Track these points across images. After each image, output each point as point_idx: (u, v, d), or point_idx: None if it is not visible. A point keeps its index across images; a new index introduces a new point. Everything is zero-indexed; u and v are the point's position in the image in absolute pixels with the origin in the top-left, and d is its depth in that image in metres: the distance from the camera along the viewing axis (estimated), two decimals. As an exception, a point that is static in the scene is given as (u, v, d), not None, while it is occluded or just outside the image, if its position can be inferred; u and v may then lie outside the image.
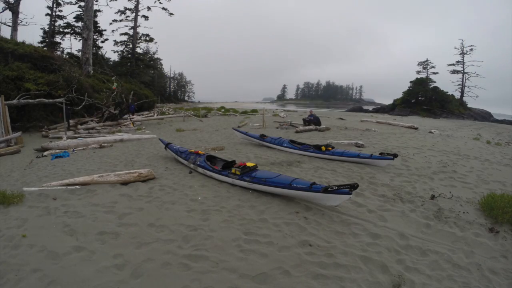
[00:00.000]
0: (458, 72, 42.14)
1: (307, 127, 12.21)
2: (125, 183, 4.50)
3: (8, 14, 22.91)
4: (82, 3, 26.63)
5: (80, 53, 25.65)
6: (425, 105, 36.97)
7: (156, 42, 38.61)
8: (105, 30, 33.86)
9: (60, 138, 10.61)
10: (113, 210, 3.51)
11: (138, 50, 38.23)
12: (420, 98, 38.77)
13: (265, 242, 2.84)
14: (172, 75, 71.91)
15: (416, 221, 3.41)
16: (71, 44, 55.94)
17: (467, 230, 3.25)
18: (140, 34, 37.21)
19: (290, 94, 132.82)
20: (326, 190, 3.47)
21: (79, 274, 2.32)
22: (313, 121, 12.92)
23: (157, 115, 20.65)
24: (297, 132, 11.43)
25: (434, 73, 42.24)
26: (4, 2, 21.47)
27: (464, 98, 41.87)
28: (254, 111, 27.78)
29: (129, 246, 2.75)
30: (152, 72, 43.29)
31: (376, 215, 3.54)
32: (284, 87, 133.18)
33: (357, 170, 5.48)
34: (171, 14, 35.25)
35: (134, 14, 35.29)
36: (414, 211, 3.68)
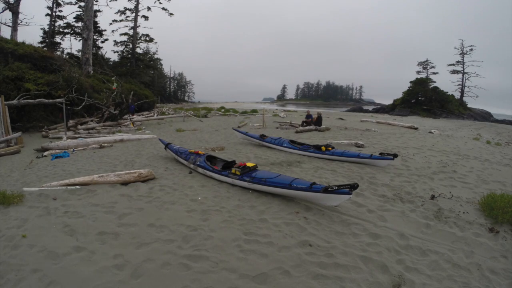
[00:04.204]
0: (458, 72, 42.20)
1: (307, 127, 12.21)
2: (125, 183, 4.50)
3: (8, 14, 22.99)
4: (82, 3, 26.65)
5: (80, 53, 25.65)
6: (425, 105, 36.98)
7: (156, 42, 38.64)
8: (105, 30, 33.93)
9: (60, 138, 10.62)
10: (113, 210, 3.51)
11: (138, 50, 38.24)
12: (420, 98, 38.79)
13: (265, 242, 2.84)
14: (172, 75, 72.02)
15: (416, 221, 3.41)
16: (71, 44, 55.97)
17: (467, 230, 3.25)
18: (140, 34, 37.25)
19: (290, 94, 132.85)
20: (326, 190, 3.47)
21: (79, 274, 2.32)
22: (312, 121, 12.88)
23: (157, 115, 20.64)
24: (297, 132, 11.43)
25: (434, 73, 42.37)
26: (4, 2, 21.49)
27: (464, 98, 41.92)
28: (254, 111, 27.81)
29: (129, 246, 2.75)
30: (152, 72, 43.26)
31: (376, 215, 3.54)
32: (284, 87, 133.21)
33: (357, 170, 5.48)
34: (171, 14, 35.24)
35: (134, 14, 35.28)
36: (414, 211, 3.68)
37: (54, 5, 30.23)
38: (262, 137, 8.06)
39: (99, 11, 30.76)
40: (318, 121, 12.76)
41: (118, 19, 34.93)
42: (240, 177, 4.35)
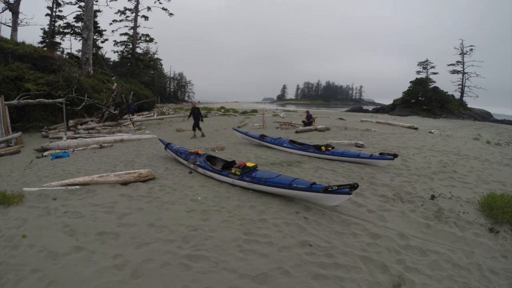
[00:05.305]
0: (458, 72, 42.16)
1: (307, 128, 12.23)
2: (125, 183, 4.50)
3: (8, 14, 23.06)
4: (82, 3, 26.67)
5: (80, 53, 25.66)
6: (425, 105, 36.95)
7: (156, 42, 38.65)
8: (105, 30, 33.92)
9: (60, 138, 10.62)
10: (113, 210, 3.51)
11: (138, 50, 38.26)
12: (420, 98, 38.75)
13: (265, 242, 2.84)
14: (172, 75, 72.00)
15: (416, 221, 3.41)
16: (71, 44, 56.10)
17: (467, 230, 3.25)
18: (140, 34, 37.26)
19: (290, 94, 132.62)
20: (326, 190, 3.47)
21: (79, 274, 2.32)
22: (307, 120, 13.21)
23: (157, 115, 20.63)
24: (297, 132, 11.44)
25: (434, 73, 42.32)
26: (4, 2, 21.49)
27: (464, 98, 41.89)
28: (254, 111, 27.80)
29: (129, 246, 2.75)
30: (152, 72, 43.26)
31: (376, 215, 3.54)
32: (284, 87, 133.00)
33: (357, 170, 5.48)
34: (171, 14, 35.26)
35: (134, 14, 35.29)
36: (414, 211, 3.68)
37: (54, 5, 30.24)
38: (262, 137, 8.06)
39: (99, 11, 30.78)
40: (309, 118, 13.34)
41: (118, 19, 34.99)
42: (240, 177, 4.35)
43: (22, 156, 7.97)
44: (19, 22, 22.12)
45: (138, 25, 35.88)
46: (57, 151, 8.02)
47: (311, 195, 3.64)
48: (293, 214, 3.50)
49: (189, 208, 3.64)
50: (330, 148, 6.51)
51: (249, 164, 4.58)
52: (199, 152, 5.64)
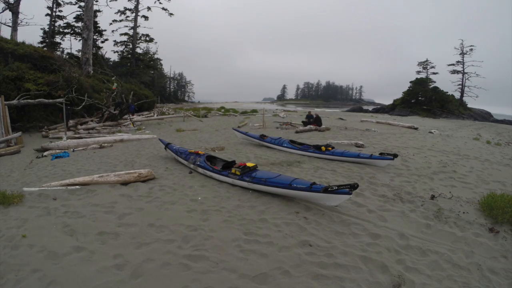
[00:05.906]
0: (458, 72, 42.18)
1: (307, 127, 12.23)
2: (125, 183, 4.50)
3: (8, 14, 23.04)
4: (82, 3, 26.67)
5: (80, 53, 25.66)
6: (425, 105, 36.96)
7: (156, 42, 38.67)
8: (105, 30, 33.90)
9: (60, 138, 10.61)
10: (113, 210, 3.51)
11: (138, 50, 38.27)
12: (420, 98, 38.76)
13: (265, 242, 2.84)
14: (172, 75, 72.04)
15: (416, 221, 3.41)
16: (71, 44, 55.94)
17: (467, 230, 3.25)
18: (140, 34, 37.27)
19: (290, 94, 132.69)
20: (326, 190, 3.47)
21: (79, 274, 2.32)
22: (313, 122, 12.95)
23: (157, 115, 20.62)
24: (297, 132, 11.44)
25: (434, 73, 42.35)
26: (4, 2, 21.49)
27: (464, 98, 41.90)
28: (254, 111, 27.81)
29: (129, 246, 2.75)
30: (152, 72, 43.27)
31: (376, 215, 3.54)
32: (284, 87, 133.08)
33: (357, 170, 5.48)
34: (171, 14, 35.26)
35: (134, 14, 35.31)
36: (414, 211, 3.68)
37: (54, 5, 30.25)
38: (262, 137, 8.06)
39: (99, 11, 30.76)
40: (318, 121, 12.91)
41: (118, 19, 35.00)
42: (240, 177, 4.35)
43: (22, 156, 7.96)
44: (19, 22, 22.11)
45: (138, 25, 35.91)
46: (57, 151, 8.02)
47: (311, 195, 3.64)
48: (293, 214, 3.50)
49: (189, 208, 3.64)
50: (330, 148, 6.51)
51: (249, 164, 4.58)
52: (199, 152, 5.64)
